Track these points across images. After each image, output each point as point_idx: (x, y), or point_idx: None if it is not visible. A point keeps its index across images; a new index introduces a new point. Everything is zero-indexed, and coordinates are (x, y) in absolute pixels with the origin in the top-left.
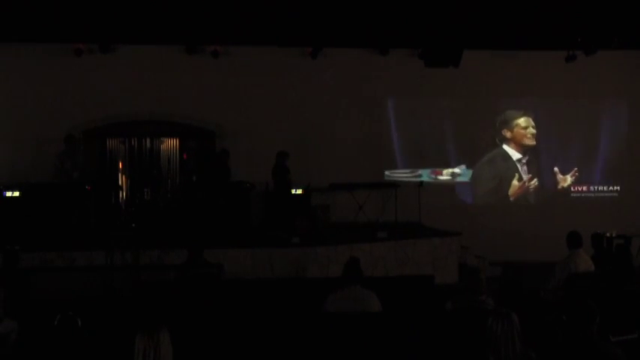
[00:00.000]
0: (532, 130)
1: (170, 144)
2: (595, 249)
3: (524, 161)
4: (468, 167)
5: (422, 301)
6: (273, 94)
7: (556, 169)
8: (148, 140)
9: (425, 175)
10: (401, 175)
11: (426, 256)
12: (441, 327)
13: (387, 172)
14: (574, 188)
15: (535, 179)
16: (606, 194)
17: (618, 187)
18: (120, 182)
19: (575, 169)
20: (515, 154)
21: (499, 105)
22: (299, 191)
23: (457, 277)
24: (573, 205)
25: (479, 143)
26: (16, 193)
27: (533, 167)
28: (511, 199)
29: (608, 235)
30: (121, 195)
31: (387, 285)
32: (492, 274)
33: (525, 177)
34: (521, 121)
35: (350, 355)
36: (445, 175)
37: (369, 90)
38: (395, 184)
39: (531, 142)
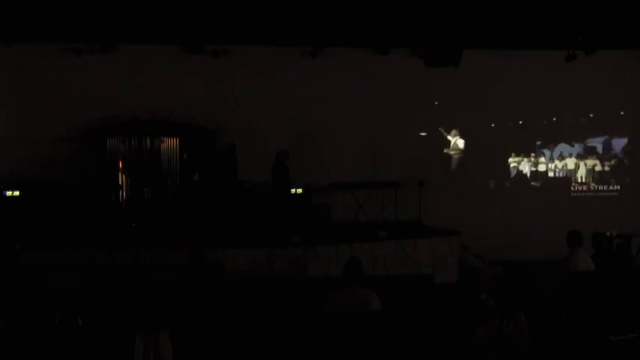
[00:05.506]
0: None
1: (170, 144)
2: (595, 248)
3: None
4: None
5: (422, 300)
6: (273, 94)
7: None
8: (148, 140)
9: None
10: None
11: (426, 256)
12: (441, 327)
13: None
14: (574, 187)
15: None
16: (606, 194)
17: (619, 187)
18: (120, 182)
19: None
20: None
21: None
22: (299, 191)
23: (457, 276)
24: (574, 205)
25: None
26: (16, 193)
27: None
28: None
29: (608, 234)
30: (121, 194)
31: (387, 284)
32: (492, 274)
33: None
34: None
35: (350, 355)
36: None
37: (369, 90)
38: (395, 184)
39: None
